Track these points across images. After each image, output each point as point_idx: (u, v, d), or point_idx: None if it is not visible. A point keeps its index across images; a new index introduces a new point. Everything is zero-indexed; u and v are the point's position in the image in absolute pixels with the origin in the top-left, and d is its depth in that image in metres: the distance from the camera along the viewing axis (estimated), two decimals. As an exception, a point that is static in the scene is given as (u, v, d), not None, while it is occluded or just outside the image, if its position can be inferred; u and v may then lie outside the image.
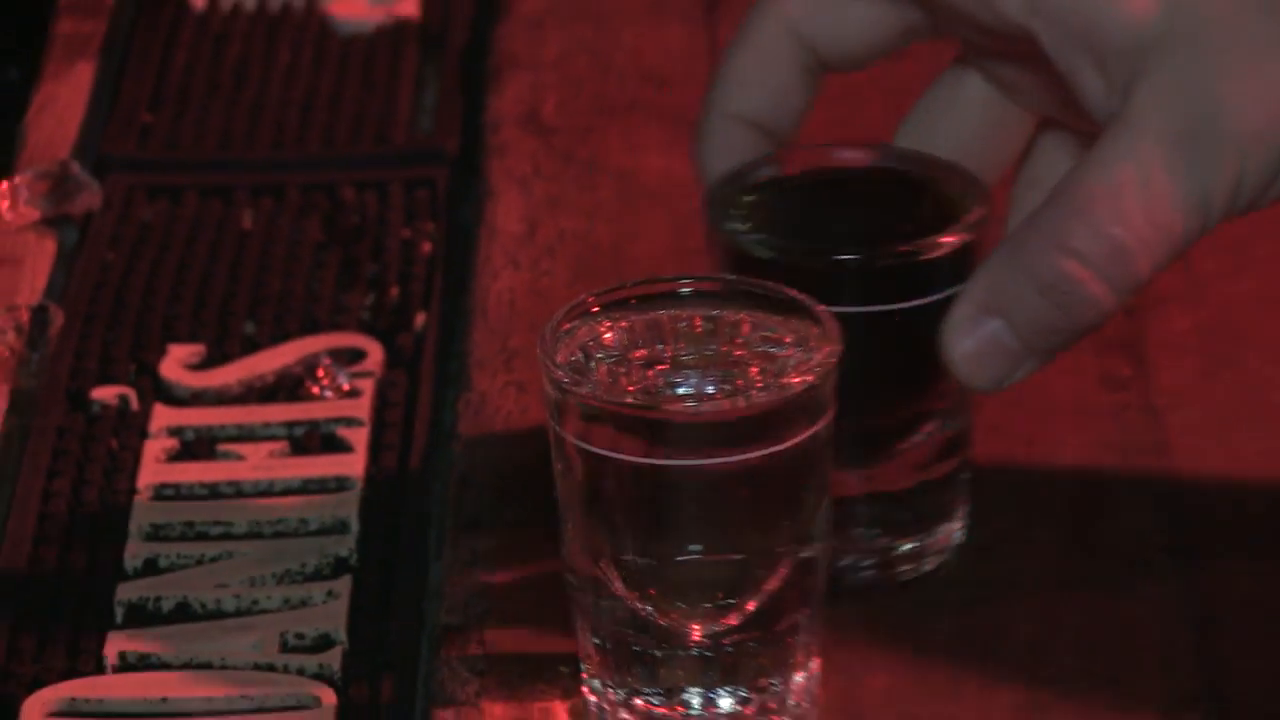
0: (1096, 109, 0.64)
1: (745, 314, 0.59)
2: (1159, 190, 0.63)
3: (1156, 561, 0.67)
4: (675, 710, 0.57)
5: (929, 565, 0.67)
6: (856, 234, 0.65)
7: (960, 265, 0.63)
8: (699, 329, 0.59)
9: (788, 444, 0.54)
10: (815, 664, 0.58)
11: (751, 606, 0.56)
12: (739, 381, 0.56)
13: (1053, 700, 0.61)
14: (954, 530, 0.68)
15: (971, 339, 0.63)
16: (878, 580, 0.66)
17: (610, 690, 0.58)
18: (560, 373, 0.54)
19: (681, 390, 0.57)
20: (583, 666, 0.58)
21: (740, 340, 0.58)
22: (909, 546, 0.66)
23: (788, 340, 0.57)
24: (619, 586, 0.56)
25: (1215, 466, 0.73)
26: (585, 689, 0.58)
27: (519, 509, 0.65)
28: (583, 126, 0.90)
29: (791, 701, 0.57)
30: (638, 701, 0.57)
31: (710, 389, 0.57)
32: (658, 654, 0.56)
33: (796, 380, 0.54)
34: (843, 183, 0.71)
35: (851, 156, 0.71)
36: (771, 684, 0.57)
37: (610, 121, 0.91)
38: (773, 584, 0.56)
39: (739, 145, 0.71)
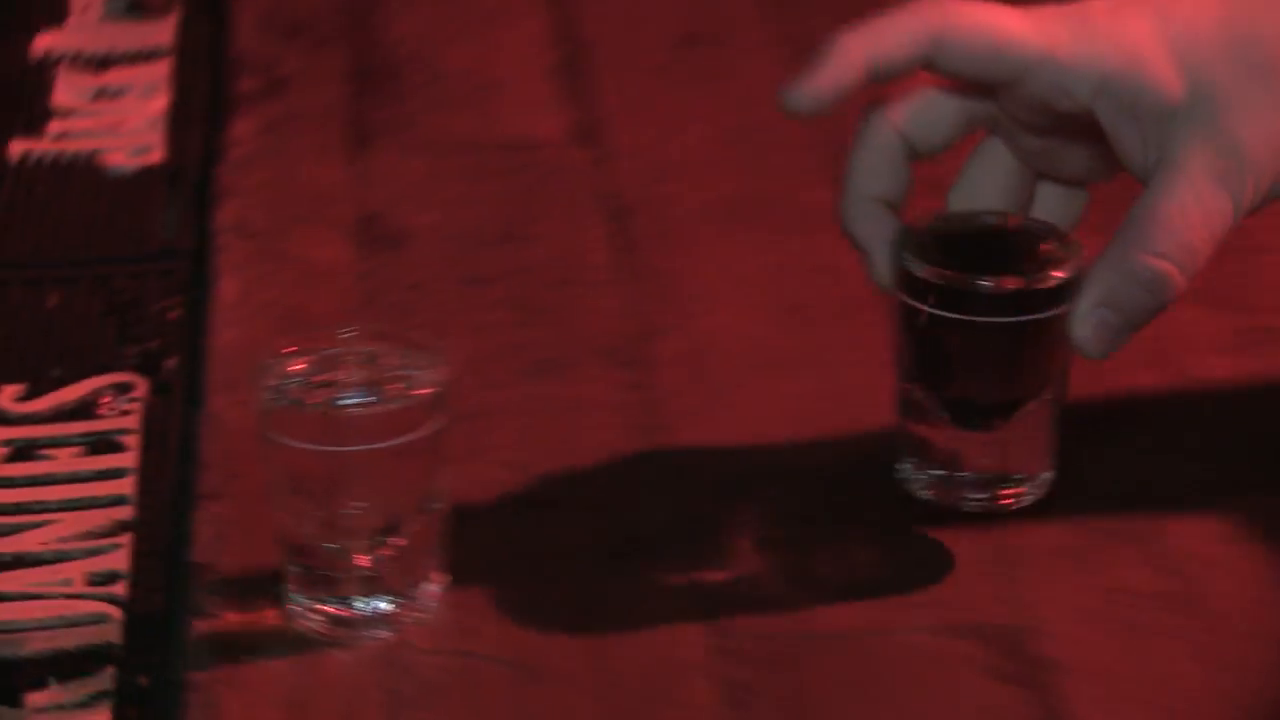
0: (1133, 160, 0.88)
1: (389, 349, 0.79)
2: (1209, 206, 0.86)
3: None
4: (348, 611, 0.76)
5: (1029, 499, 0.88)
6: (1008, 268, 0.86)
7: (1071, 288, 0.84)
8: (359, 361, 0.78)
9: (418, 434, 0.74)
10: (439, 578, 0.78)
11: (400, 543, 0.75)
12: (387, 392, 0.76)
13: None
14: (1045, 472, 0.90)
15: (1089, 325, 0.85)
16: (990, 509, 0.87)
17: (306, 601, 0.77)
18: (266, 392, 0.75)
19: (346, 401, 0.76)
20: (289, 587, 0.77)
21: (387, 367, 0.77)
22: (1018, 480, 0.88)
23: (416, 367, 0.76)
24: (310, 533, 0.76)
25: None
26: (289, 601, 0.77)
27: (247, 482, 0.83)
28: (277, 230, 1.12)
29: (429, 603, 0.77)
30: (325, 608, 0.76)
31: (363, 399, 0.76)
32: (338, 576, 0.75)
33: (422, 392, 0.75)
34: (990, 235, 0.91)
35: (987, 219, 0.93)
36: (411, 591, 0.76)
37: (295, 227, 1.11)
38: (413, 527, 0.76)
39: (875, 215, 0.90)
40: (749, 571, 0.84)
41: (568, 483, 0.90)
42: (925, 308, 0.86)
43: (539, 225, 1.17)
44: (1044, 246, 0.89)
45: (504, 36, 1.42)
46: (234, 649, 0.75)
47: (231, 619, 0.77)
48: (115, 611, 0.77)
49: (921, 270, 0.85)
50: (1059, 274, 0.85)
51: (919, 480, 0.88)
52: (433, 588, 0.78)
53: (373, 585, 0.77)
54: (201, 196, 1.16)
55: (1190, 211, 0.87)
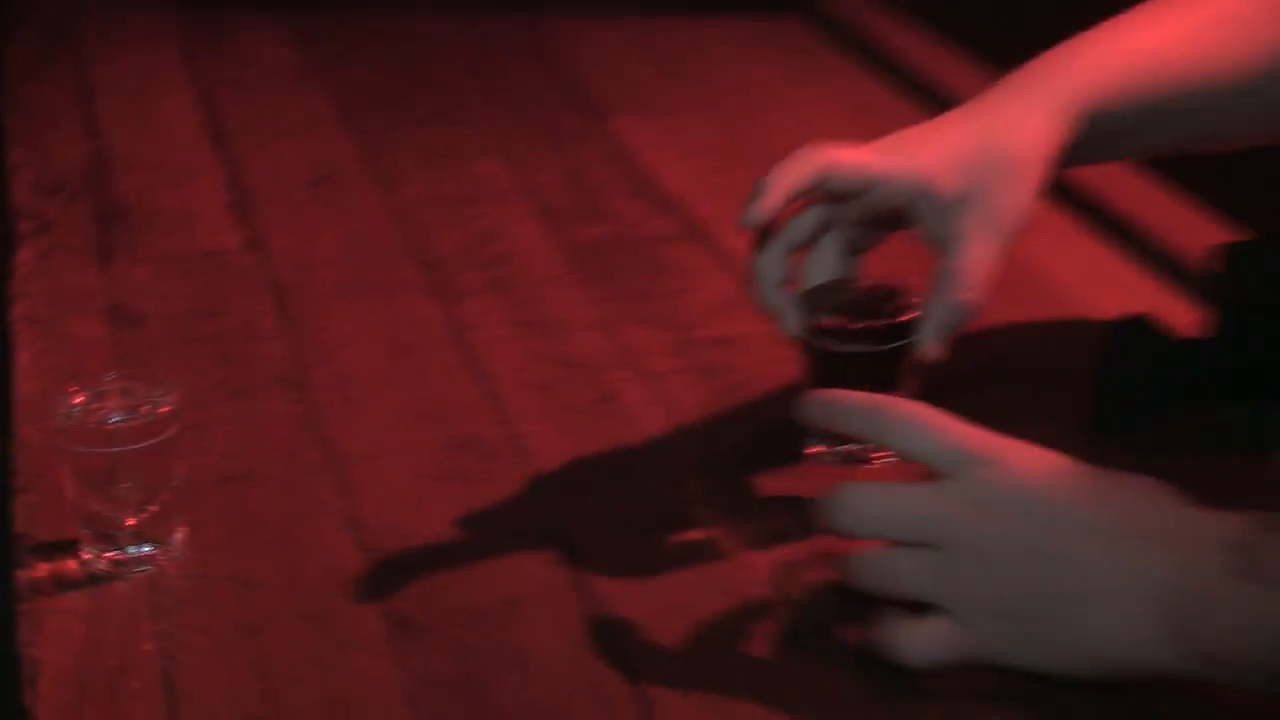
0: (931, 235, 1.14)
1: (137, 386, 1.02)
2: (988, 259, 1.11)
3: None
4: (123, 556, 0.99)
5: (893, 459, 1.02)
6: (878, 314, 1.11)
7: (917, 322, 1.09)
8: (118, 394, 1.01)
9: (160, 438, 0.99)
10: (181, 529, 1.02)
11: (154, 509, 0.99)
12: (138, 413, 0.99)
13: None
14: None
15: (934, 342, 1.10)
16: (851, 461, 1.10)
17: (95, 551, 1.00)
18: (59, 417, 0.98)
19: (112, 419, 0.99)
20: (82, 543, 0.99)
21: (136, 397, 1.00)
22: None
23: (155, 397, 1.00)
24: (94, 507, 0.99)
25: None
26: (83, 553, 0.99)
27: (48, 480, 1.06)
28: (55, 318, 1.36)
29: (176, 546, 1.00)
30: (108, 554, 0.99)
31: (123, 418, 0.99)
32: (114, 533, 0.99)
33: (160, 412, 0.98)
34: (860, 294, 1.15)
35: (853, 284, 1.16)
36: (164, 539, 1.00)
37: (66, 316, 1.36)
38: (162, 497, 0.99)
39: (778, 293, 1.13)
40: (401, 515, 1.09)
41: (259, 461, 1.16)
42: (828, 347, 1.11)
43: (229, 303, 1.41)
44: (894, 298, 1.13)
45: (195, 185, 1.66)
46: (47, 586, 0.98)
47: (44, 567, 1.00)
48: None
49: (823, 321, 1.11)
50: (910, 314, 1.10)
51: (829, 454, 1.12)
52: (177, 536, 1.02)
53: (138, 537, 1.00)
54: (2, 299, 1.39)
55: (979, 264, 1.11)
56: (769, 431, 1.21)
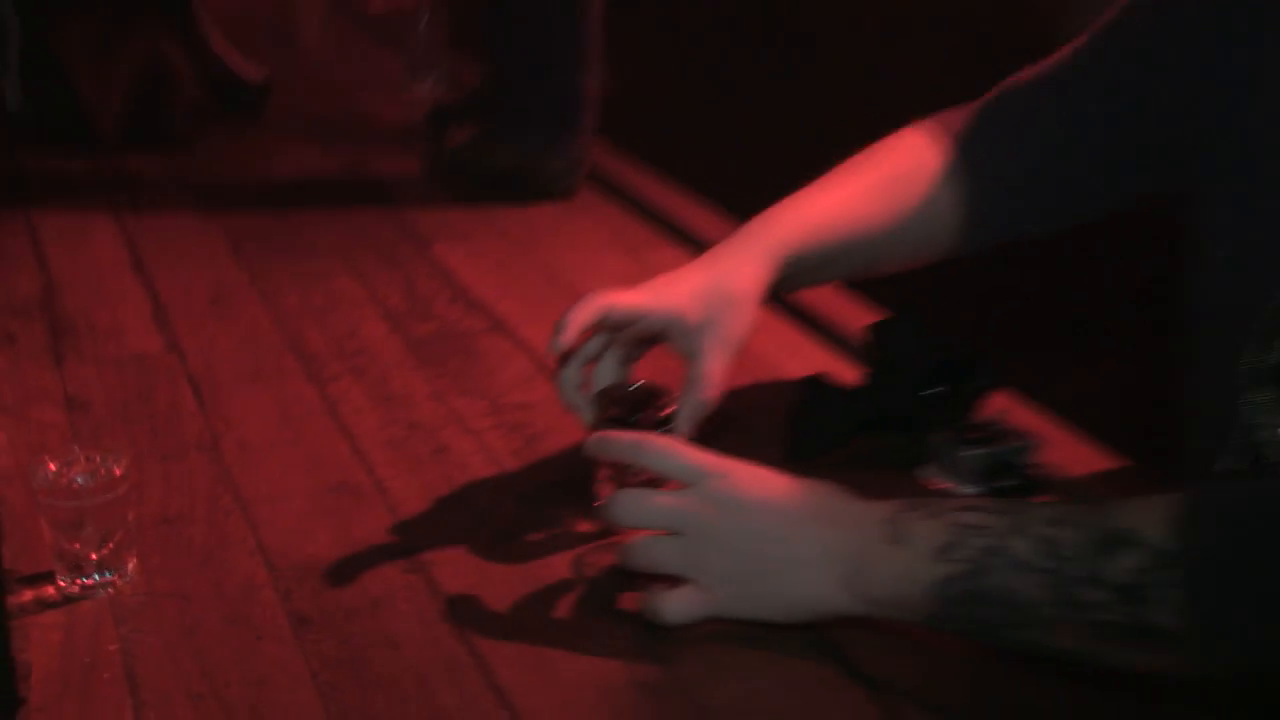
0: (682, 350, 1.16)
1: (94, 455, 1.03)
2: (724, 365, 1.15)
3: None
4: (90, 581, 1.00)
5: None
6: (651, 407, 1.13)
7: (673, 416, 1.12)
8: (81, 461, 1.02)
9: (115, 494, 1.00)
10: (134, 560, 1.02)
11: (112, 545, 0.99)
12: (98, 475, 1.00)
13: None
14: None
15: (687, 427, 1.12)
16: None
17: (67, 579, 1.00)
18: (36, 479, 0.98)
19: (78, 480, 1.00)
20: (57, 573, 1.00)
21: (94, 463, 1.02)
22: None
23: (110, 463, 1.01)
24: (66, 545, 0.99)
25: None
26: (58, 581, 1.00)
27: (29, 527, 1.06)
28: (20, 409, 1.33)
29: (130, 573, 1.01)
30: (78, 581, 1.00)
31: (87, 479, 1.00)
32: (82, 565, 0.99)
33: (115, 474, 0.99)
34: (637, 392, 1.16)
35: (632, 386, 1.17)
36: (121, 569, 1.01)
37: (31, 407, 1.34)
38: (117, 537, 0.99)
39: (577, 394, 1.17)
40: (296, 541, 1.10)
41: (187, 507, 1.16)
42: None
43: (156, 392, 1.40)
44: (659, 396, 1.15)
45: (124, 305, 1.63)
46: (32, 607, 1.00)
47: (28, 593, 1.01)
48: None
49: (610, 413, 1.13)
50: (670, 408, 1.14)
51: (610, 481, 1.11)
52: (130, 565, 1.03)
53: (100, 567, 1.01)
54: None
55: (716, 372, 1.15)
56: (563, 468, 1.25)
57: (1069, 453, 1.28)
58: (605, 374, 1.20)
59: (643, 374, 1.21)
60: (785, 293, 1.31)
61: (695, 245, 1.89)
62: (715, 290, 1.18)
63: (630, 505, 0.99)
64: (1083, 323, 2.34)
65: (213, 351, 1.50)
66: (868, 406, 1.27)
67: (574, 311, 1.14)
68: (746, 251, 1.22)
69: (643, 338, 1.20)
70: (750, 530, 0.97)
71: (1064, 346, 2.27)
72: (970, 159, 1.28)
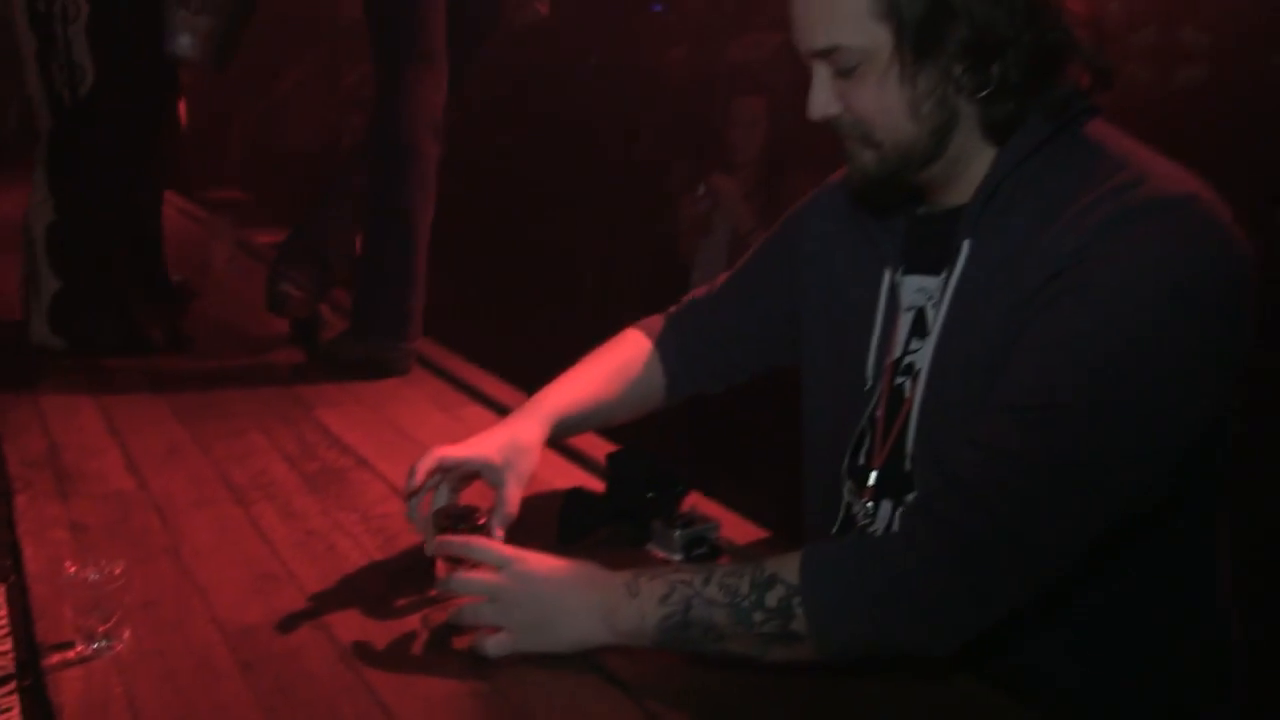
0: (491, 483, 1.13)
1: (93, 572, 0.97)
2: (519, 493, 1.12)
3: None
4: (99, 646, 0.95)
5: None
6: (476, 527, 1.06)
7: (487, 526, 1.07)
8: (94, 568, 0.98)
9: (114, 585, 0.97)
10: (128, 631, 0.97)
11: (113, 622, 0.96)
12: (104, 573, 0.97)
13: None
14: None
15: (498, 530, 1.09)
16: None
17: (83, 646, 0.96)
18: (64, 578, 0.95)
19: (92, 578, 0.97)
20: (75, 642, 0.96)
21: (105, 568, 0.98)
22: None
23: (117, 567, 0.97)
24: (83, 622, 0.95)
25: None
26: (77, 646, 0.96)
27: (56, 610, 1.02)
28: None
29: (124, 642, 0.97)
30: (91, 647, 0.95)
31: (96, 576, 0.98)
32: (93, 635, 0.96)
33: (116, 572, 0.97)
34: (461, 513, 1.10)
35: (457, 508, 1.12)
36: (121, 636, 0.97)
37: None
38: (117, 615, 0.97)
39: (422, 518, 1.12)
40: (238, 611, 1.08)
41: (159, 593, 1.11)
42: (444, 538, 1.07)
43: (133, 517, 1.33)
44: (475, 513, 1.11)
45: (105, 457, 1.56)
46: (59, 666, 0.97)
47: (56, 656, 0.98)
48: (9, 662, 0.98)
49: (444, 524, 1.08)
50: (484, 519, 1.10)
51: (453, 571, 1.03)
52: (125, 634, 1.01)
53: (106, 636, 0.99)
54: (9, 522, 1.29)
55: (514, 498, 1.14)
56: (413, 558, 1.23)
57: (737, 529, 1.30)
58: (440, 499, 1.18)
59: (465, 498, 1.22)
60: (557, 440, 1.28)
61: (490, 404, 1.89)
62: (512, 444, 1.17)
63: (461, 582, 1.01)
64: (742, 448, 2.42)
65: (169, 487, 1.45)
66: (610, 507, 1.25)
67: (420, 462, 1.14)
68: (531, 417, 1.21)
69: (465, 475, 1.19)
70: (539, 594, 0.98)
71: (730, 463, 2.32)
72: (667, 348, 1.32)
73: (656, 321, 1.35)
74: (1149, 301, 0.83)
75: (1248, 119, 4.44)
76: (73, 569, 1.01)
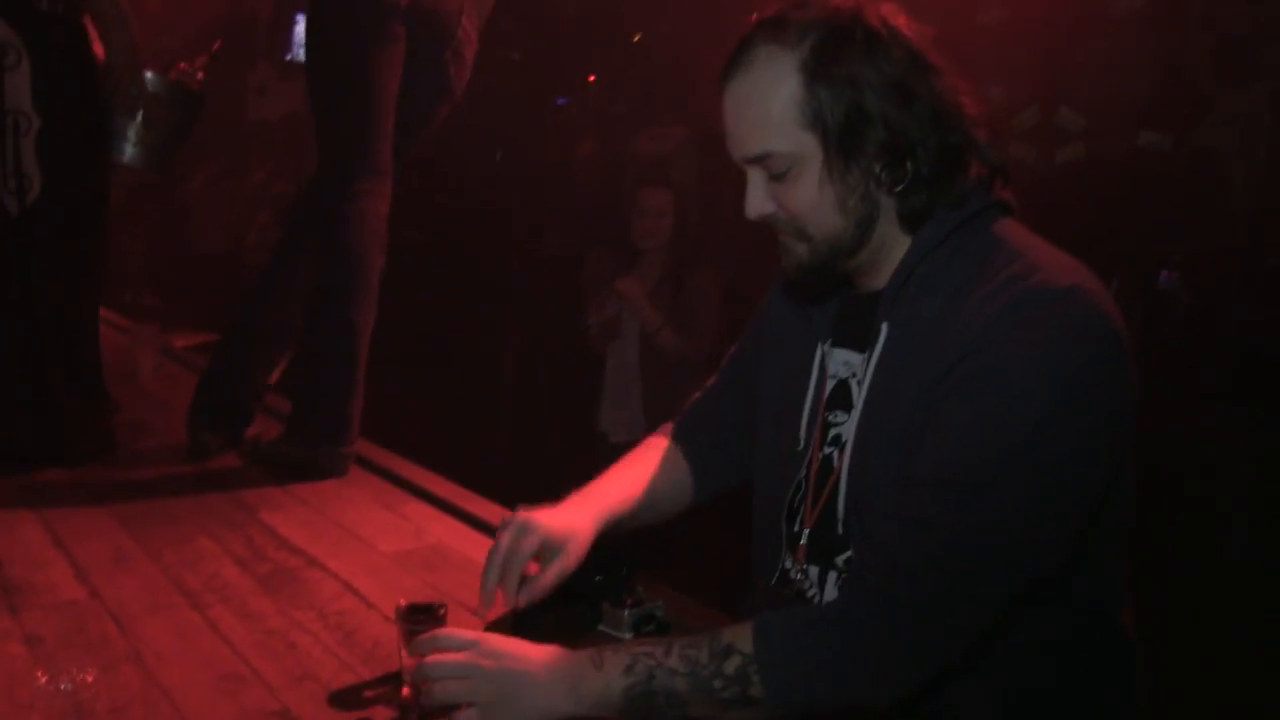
0: (546, 558, 1.09)
1: (73, 672, 1.05)
2: (560, 579, 1.12)
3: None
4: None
5: None
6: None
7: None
8: (64, 679, 1.07)
9: (84, 695, 1.09)
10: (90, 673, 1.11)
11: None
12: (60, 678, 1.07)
13: None
14: None
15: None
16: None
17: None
18: (34, 691, 0.99)
19: (64, 688, 1.07)
20: None
21: (77, 679, 1.04)
22: None
23: (90, 674, 1.06)
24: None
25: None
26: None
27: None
28: None
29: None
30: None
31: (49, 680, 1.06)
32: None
33: (89, 679, 1.05)
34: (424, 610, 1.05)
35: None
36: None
37: None
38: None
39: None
40: (201, 711, 1.10)
41: (124, 698, 1.13)
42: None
43: (88, 624, 1.34)
44: (442, 607, 1.09)
45: (52, 569, 1.55)
46: None
47: None
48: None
49: (405, 628, 1.06)
50: (444, 613, 1.08)
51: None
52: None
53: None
54: None
55: (552, 580, 1.13)
56: (371, 647, 1.28)
57: (683, 605, 1.33)
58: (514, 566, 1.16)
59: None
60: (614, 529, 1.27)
61: (431, 500, 1.93)
62: (569, 532, 1.18)
63: (431, 666, 1.03)
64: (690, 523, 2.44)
65: (122, 595, 1.46)
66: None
67: (512, 533, 1.14)
68: (583, 511, 1.21)
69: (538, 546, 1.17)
70: (507, 669, 1.00)
71: (678, 546, 2.31)
72: (687, 453, 1.35)
73: (667, 430, 1.39)
74: (1042, 385, 0.93)
75: (1124, 192, 4.77)
76: (44, 679, 1.07)
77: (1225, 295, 3.89)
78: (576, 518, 1.19)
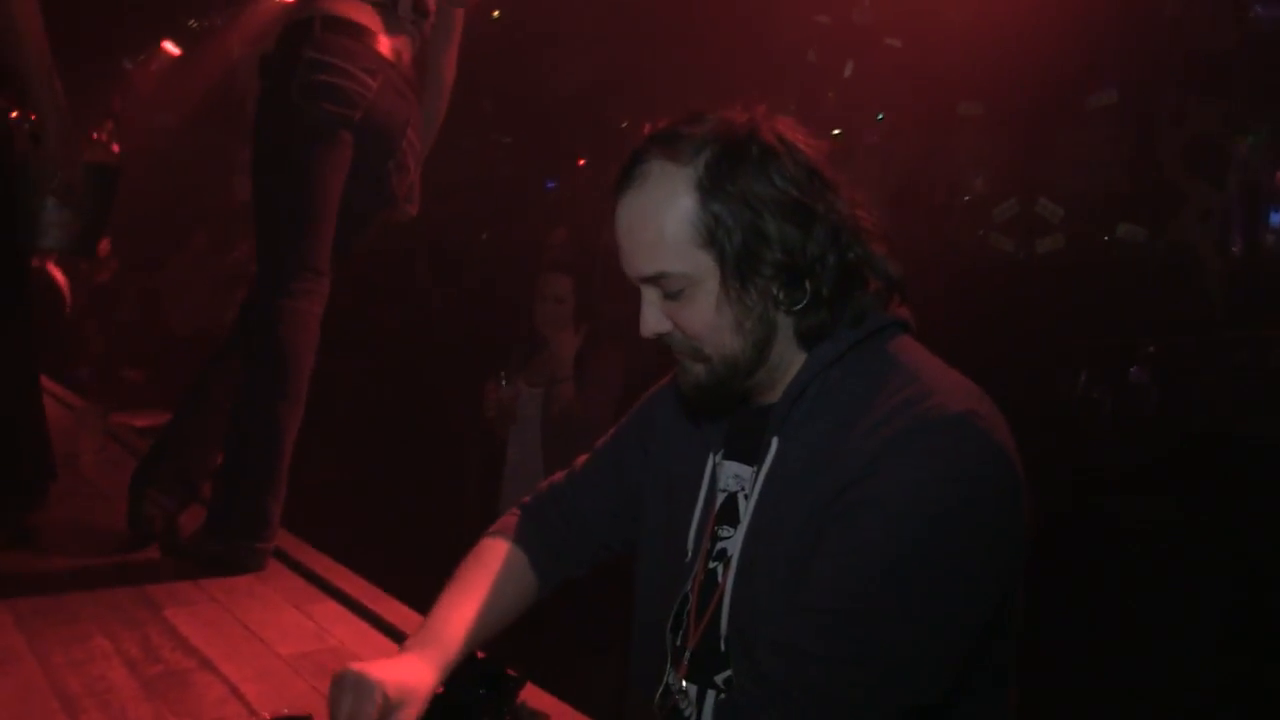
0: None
1: None
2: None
3: None
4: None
5: None
6: None
7: None
8: None
9: None
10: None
11: None
12: None
13: None
14: None
15: None
16: None
17: None
18: None
19: None
20: None
21: None
22: None
23: None
24: None
25: None
26: None
27: None
28: None
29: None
30: None
31: None
32: None
33: None
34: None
35: None
36: None
37: None
38: None
39: None
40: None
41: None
42: None
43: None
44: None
45: None
46: None
47: None
48: None
49: None
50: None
51: None
52: None
53: None
54: None
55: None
56: None
57: (565, 716, 1.34)
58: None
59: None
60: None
61: (344, 600, 1.91)
62: (400, 686, 1.08)
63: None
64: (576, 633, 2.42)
65: None
66: (443, 705, 1.20)
67: (354, 692, 1.06)
68: (427, 659, 1.14)
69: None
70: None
71: (573, 659, 2.32)
72: (531, 544, 1.30)
73: (511, 520, 1.34)
74: (926, 516, 0.93)
75: (1102, 284, 4.85)
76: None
77: (1196, 388, 3.94)
78: (415, 672, 1.11)
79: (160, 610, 1.83)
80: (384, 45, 2.08)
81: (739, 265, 1.01)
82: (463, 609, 1.22)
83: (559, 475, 1.38)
